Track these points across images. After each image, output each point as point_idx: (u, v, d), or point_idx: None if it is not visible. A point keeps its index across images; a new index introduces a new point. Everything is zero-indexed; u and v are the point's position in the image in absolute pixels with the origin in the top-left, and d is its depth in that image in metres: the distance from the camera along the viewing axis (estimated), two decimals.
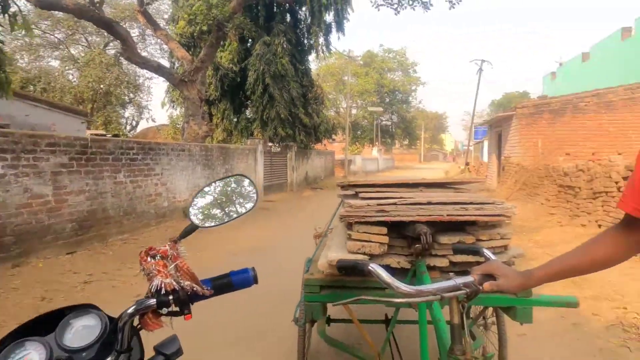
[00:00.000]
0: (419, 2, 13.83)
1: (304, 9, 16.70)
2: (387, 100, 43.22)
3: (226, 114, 17.18)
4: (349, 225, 2.05)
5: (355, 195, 2.21)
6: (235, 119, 17.60)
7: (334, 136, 21.93)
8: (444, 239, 1.94)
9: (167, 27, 17.07)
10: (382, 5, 14.35)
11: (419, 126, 56.76)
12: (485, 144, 31.01)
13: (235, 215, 1.14)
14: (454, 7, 13.52)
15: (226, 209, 1.13)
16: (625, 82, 13.71)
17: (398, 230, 2.04)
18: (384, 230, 1.97)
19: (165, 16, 20.81)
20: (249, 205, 1.16)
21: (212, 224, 1.12)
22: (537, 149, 12.91)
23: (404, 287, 1.09)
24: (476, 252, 1.52)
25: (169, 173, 9.00)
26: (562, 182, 9.35)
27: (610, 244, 1.09)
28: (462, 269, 2.06)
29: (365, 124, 42.99)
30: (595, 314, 3.91)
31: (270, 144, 16.13)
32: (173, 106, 18.11)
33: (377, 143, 43.03)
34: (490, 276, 1.19)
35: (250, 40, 16.77)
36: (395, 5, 14.15)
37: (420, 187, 2.22)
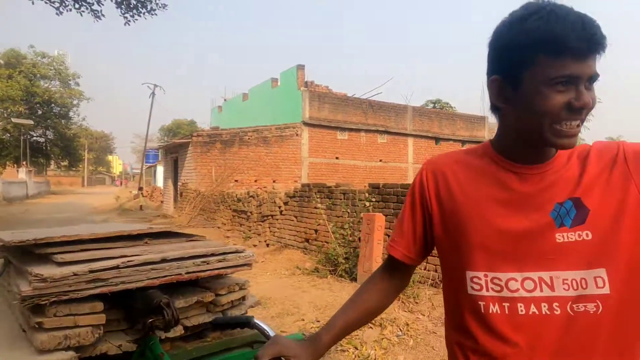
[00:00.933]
0: (87, 8, 12.29)
1: None
2: (40, 112, 36.26)
3: None
4: (36, 308, 1.34)
5: (44, 259, 1.49)
6: None
7: None
8: (180, 303, 1.57)
9: None
10: None
11: (82, 146, 50.58)
12: (159, 168, 30.89)
13: None
14: (128, 24, 12.80)
15: None
16: (275, 122, 16.79)
17: (113, 301, 1.50)
18: (100, 306, 1.39)
19: None
20: None
21: None
22: (211, 176, 13.80)
23: None
24: (246, 324, 1.25)
25: None
26: (237, 207, 10.30)
27: (379, 290, 1.10)
28: (194, 332, 1.73)
29: (7, 139, 34.39)
30: (283, 330, 4.33)
31: None
32: None
33: (24, 163, 35.12)
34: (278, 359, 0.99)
35: None
36: (57, 3, 12.02)
37: (145, 238, 1.74)
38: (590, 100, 0.81)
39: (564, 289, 0.83)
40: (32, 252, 1.52)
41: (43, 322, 1.30)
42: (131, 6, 12.43)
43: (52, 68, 37.26)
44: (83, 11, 12.25)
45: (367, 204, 6.43)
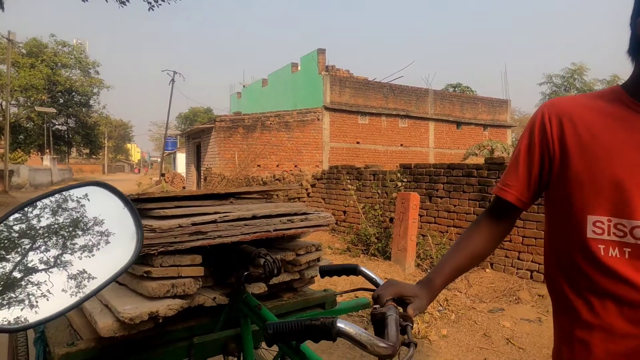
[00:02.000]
0: None
1: None
2: (62, 101, 36.89)
3: None
4: (143, 259, 1.40)
5: (143, 215, 1.55)
6: None
7: None
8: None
9: None
10: None
11: (102, 134, 51.43)
12: (178, 155, 31.26)
13: (100, 282, 0.48)
14: (152, 9, 12.85)
15: (73, 271, 0.47)
16: (296, 107, 16.79)
17: (208, 256, 1.55)
18: (199, 258, 1.45)
19: None
20: (126, 254, 0.53)
21: (40, 316, 0.43)
22: (235, 160, 13.92)
23: (383, 343, 0.75)
24: (352, 270, 1.28)
25: None
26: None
27: (484, 234, 1.11)
28: (272, 292, 1.78)
29: (31, 127, 35.16)
30: None
31: None
32: None
33: (48, 151, 35.95)
34: (399, 300, 1.01)
35: None
36: None
37: (230, 197, 1.79)
38: None
39: None
40: None
41: (151, 271, 1.36)
42: None
43: (73, 57, 37.74)
44: None
45: (399, 184, 6.43)
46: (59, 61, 36.12)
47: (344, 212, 7.80)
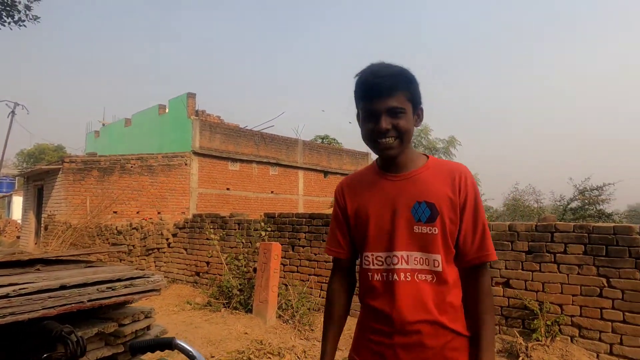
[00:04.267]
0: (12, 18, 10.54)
1: None
2: None
3: None
4: None
5: None
6: None
7: None
8: (80, 334, 1.41)
9: None
10: None
11: None
12: (14, 198, 26.64)
13: None
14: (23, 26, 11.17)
15: None
16: (162, 151, 15.92)
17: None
18: None
19: None
20: None
21: None
22: (86, 207, 12.41)
23: None
24: (167, 345, 1.19)
25: None
26: (117, 240, 9.38)
27: (340, 293, 1.42)
28: None
29: None
30: None
31: None
32: None
33: None
34: None
35: None
36: None
37: (37, 264, 1.53)
38: (388, 125, 1.19)
39: (413, 263, 1.22)
40: None
41: None
42: None
43: None
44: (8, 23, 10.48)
45: (263, 233, 6.43)
46: None
47: (207, 262, 7.45)
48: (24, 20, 11.49)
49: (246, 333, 4.91)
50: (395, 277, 1.21)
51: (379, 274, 1.25)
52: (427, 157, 1.32)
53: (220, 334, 4.92)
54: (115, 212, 13.10)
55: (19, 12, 11.35)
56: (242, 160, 17.60)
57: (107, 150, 19.25)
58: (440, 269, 1.20)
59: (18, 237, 17.61)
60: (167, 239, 8.31)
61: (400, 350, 1.20)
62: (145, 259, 8.58)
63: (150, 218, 9.68)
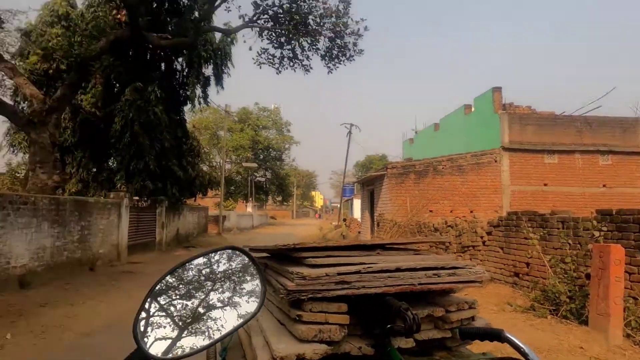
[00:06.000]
0: (299, 65, 14.49)
1: (180, 59, 16.13)
2: (262, 157, 43.64)
3: (83, 162, 14.99)
4: (295, 303, 1.56)
5: (297, 263, 1.74)
6: (94, 169, 15.44)
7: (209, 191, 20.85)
8: (419, 314, 1.59)
9: (13, 61, 14.68)
10: (263, 63, 14.65)
11: (292, 183, 58.25)
12: (355, 201, 33.03)
13: (228, 328, 0.62)
14: (331, 72, 14.46)
15: (209, 317, 0.62)
16: (470, 150, 16.02)
17: (353, 306, 1.63)
18: (344, 307, 1.53)
19: (12, 49, 18.00)
20: (252, 307, 0.66)
21: (187, 350, 0.59)
22: (406, 206, 13.96)
23: None
24: (497, 336, 1.18)
25: (3, 231, 7.16)
26: (433, 237, 10.08)
27: None
28: (424, 349, 1.72)
29: (239, 180, 42.34)
30: None
31: (136, 197, 14.41)
32: (14, 151, 15.25)
33: (251, 199, 42.49)
34: None
35: (117, 84, 15.29)
36: (277, 65, 14.57)
37: (377, 249, 1.87)
38: None
39: None
40: (289, 257, 1.80)
41: (302, 315, 1.50)
42: (333, 56, 14.06)
43: (270, 119, 44.72)
44: (296, 67, 14.49)
45: (596, 233, 5.43)
46: (260, 124, 43.16)
47: (527, 263, 6.93)
48: (352, 56, 14.20)
49: (582, 348, 4.25)
50: None
51: None
52: None
53: (547, 343, 4.46)
54: (430, 211, 14.10)
55: (349, 49, 14.11)
56: (560, 151, 15.48)
57: (421, 155, 21.02)
58: None
59: (359, 232, 21.64)
60: (481, 237, 8.27)
61: None
62: (461, 256, 8.82)
63: (464, 216, 9.90)
